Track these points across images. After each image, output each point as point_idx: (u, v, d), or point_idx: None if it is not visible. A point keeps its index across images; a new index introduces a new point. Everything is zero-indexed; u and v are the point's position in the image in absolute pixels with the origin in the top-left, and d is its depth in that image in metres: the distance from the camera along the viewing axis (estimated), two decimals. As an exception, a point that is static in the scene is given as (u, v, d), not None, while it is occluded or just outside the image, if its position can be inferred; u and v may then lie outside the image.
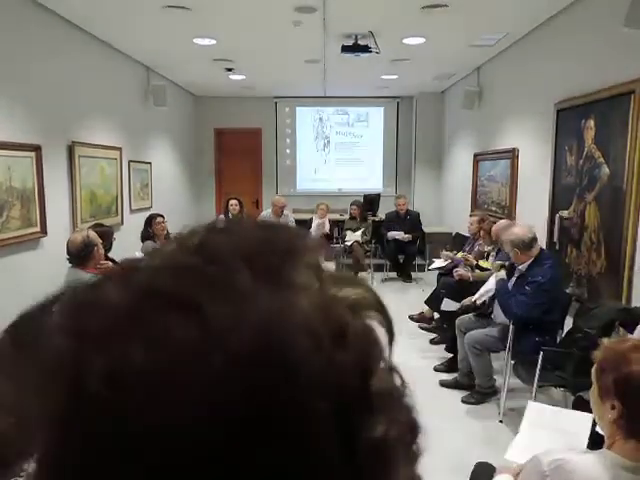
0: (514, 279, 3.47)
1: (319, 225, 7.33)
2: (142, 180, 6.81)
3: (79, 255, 3.18)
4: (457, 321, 3.79)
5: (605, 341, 1.40)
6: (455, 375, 3.91)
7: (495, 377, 3.62)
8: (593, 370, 1.32)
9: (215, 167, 9.77)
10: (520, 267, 3.41)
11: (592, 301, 3.53)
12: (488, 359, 3.55)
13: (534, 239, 3.36)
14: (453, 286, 4.66)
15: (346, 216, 7.94)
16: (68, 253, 3.22)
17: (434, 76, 7.47)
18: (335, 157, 9.81)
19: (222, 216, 7.09)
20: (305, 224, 7.51)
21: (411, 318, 5.08)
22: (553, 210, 4.45)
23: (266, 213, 7.50)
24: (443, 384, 3.84)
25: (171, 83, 7.89)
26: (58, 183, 4.68)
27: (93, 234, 3.32)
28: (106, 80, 5.66)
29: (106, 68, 5.66)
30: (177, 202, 8.36)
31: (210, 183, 9.76)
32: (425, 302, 5.15)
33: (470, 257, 4.60)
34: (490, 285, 3.60)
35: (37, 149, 4.24)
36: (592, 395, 1.33)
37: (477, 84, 6.83)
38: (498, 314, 3.50)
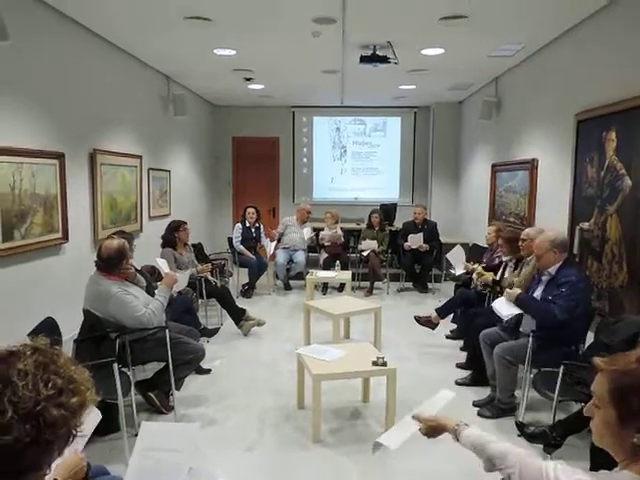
0: (542, 286, 3.42)
1: (333, 236, 7.33)
2: (161, 187, 6.88)
3: (110, 262, 3.20)
4: (481, 335, 3.73)
5: (601, 362, 1.24)
6: (466, 383, 3.85)
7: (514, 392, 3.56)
8: (605, 394, 1.21)
9: (233, 175, 9.83)
10: (550, 270, 3.35)
11: (614, 315, 3.47)
12: (515, 373, 3.48)
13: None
14: (471, 298, 4.60)
15: (363, 225, 7.92)
16: (98, 257, 3.24)
17: (452, 86, 7.45)
18: (352, 166, 9.82)
19: (239, 224, 7.13)
20: (319, 232, 7.53)
21: (417, 319, 5.00)
22: (573, 222, 4.39)
23: (290, 219, 7.51)
24: (476, 404, 3.67)
25: (191, 92, 7.98)
26: (80, 190, 4.75)
27: (128, 245, 3.35)
28: (128, 89, 5.76)
29: (128, 78, 5.75)
30: (195, 209, 8.43)
31: (227, 191, 9.83)
32: (436, 310, 5.09)
33: (487, 275, 4.52)
34: (506, 307, 3.51)
35: (60, 157, 4.32)
36: (603, 421, 1.22)
37: (495, 94, 6.80)
38: (526, 325, 3.44)
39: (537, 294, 3.43)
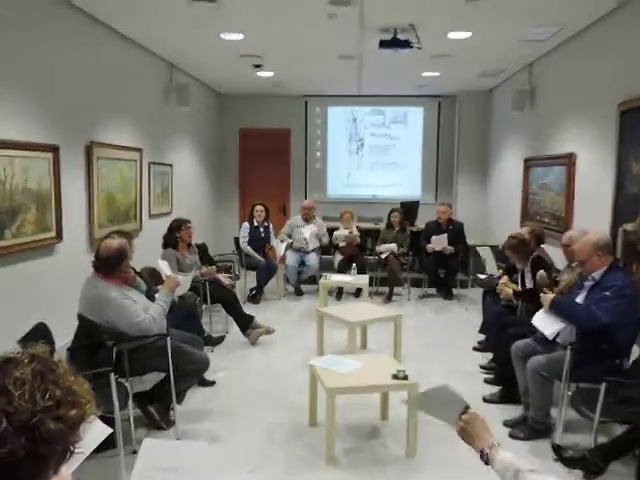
0: (584, 292, 3.36)
1: (348, 236, 7.32)
2: (162, 183, 6.92)
3: (108, 263, 3.21)
4: (513, 347, 3.67)
5: None
6: (503, 406, 3.80)
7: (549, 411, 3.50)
8: None
9: (240, 170, 9.87)
10: (594, 275, 3.30)
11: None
12: (551, 390, 3.41)
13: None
14: (501, 316, 4.51)
15: (381, 225, 7.89)
16: (97, 257, 3.25)
17: (480, 73, 7.39)
18: (369, 161, 9.79)
19: (246, 223, 7.14)
20: (334, 232, 7.51)
21: (477, 349, 5.09)
22: (616, 223, 4.32)
23: (296, 219, 7.53)
24: (507, 424, 3.54)
25: (195, 81, 8.02)
26: (75, 185, 4.78)
27: (128, 245, 3.37)
28: (127, 77, 5.79)
29: (127, 65, 5.79)
30: (199, 207, 8.47)
31: (234, 187, 9.87)
32: (480, 331, 5.08)
33: (509, 288, 4.47)
34: (549, 322, 3.45)
35: (55, 150, 4.35)
36: None
37: (529, 82, 6.73)
38: (564, 335, 3.39)
39: (578, 301, 3.37)
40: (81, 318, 3.22)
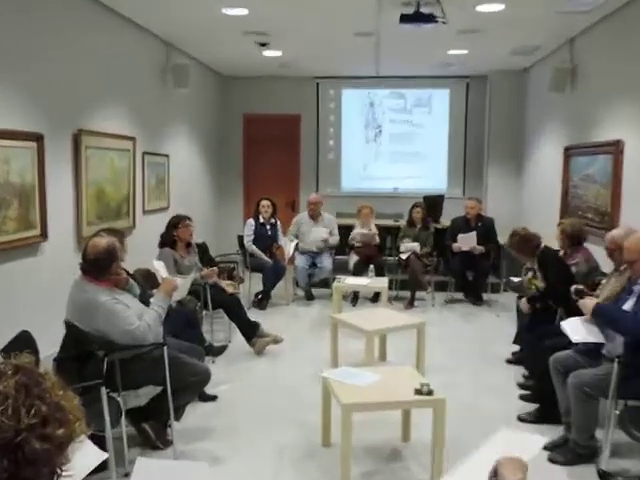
0: (634, 298, 3.30)
1: (366, 235, 7.31)
2: (158, 176, 6.95)
3: (97, 264, 3.23)
4: (552, 360, 3.64)
5: None
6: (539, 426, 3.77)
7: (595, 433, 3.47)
8: None
9: (244, 161, 9.89)
10: None
11: None
12: (596, 409, 3.37)
13: None
14: (538, 323, 4.48)
15: (402, 222, 7.88)
16: (84, 258, 3.27)
17: (513, 50, 7.34)
18: (389, 150, 9.77)
19: (251, 219, 7.16)
20: (349, 231, 7.50)
21: (510, 362, 5.09)
22: (668, 218, 4.26)
23: (302, 215, 7.53)
24: (546, 447, 3.49)
25: (194, 61, 8.05)
26: (62, 178, 4.82)
27: (119, 244, 3.38)
28: (119, 58, 5.82)
29: (119, 44, 5.82)
30: (198, 202, 8.51)
31: (238, 180, 9.89)
32: (514, 342, 5.08)
33: (533, 284, 4.47)
34: (581, 327, 3.43)
35: (39, 139, 4.39)
36: None
37: (570, 60, 6.66)
38: (611, 346, 3.34)
39: (626, 308, 3.33)
40: (68, 325, 3.24)
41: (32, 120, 4.36)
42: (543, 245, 4.59)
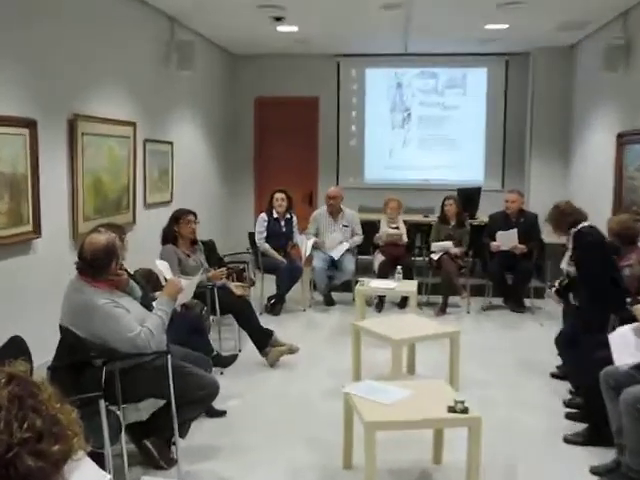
0: None
1: (392, 233, 7.29)
2: (161, 165, 7.01)
3: (95, 263, 3.26)
4: (603, 374, 3.60)
5: None
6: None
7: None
8: None
9: (256, 149, 9.92)
10: None
11: None
12: None
13: None
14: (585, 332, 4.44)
15: (433, 218, 7.86)
16: (81, 257, 3.30)
17: (560, 25, 7.27)
18: (418, 136, 9.75)
19: (264, 214, 7.17)
20: (373, 228, 7.49)
21: (555, 376, 5.04)
22: None
23: (320, 211, 7.53)
24: (596, 471, 3.49)
25: (201, 38, 8.10)
26: (56, 168, 4.88)
27: (119, 242, 3.41)
28: (118, 37, 5.87)
29: (119, 21, 5.87)
30: (205, 195, 8.56)
31: (249, 170, 9.93)
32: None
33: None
34: (632, 345, 3.40)
35: (31, 125, 4.44)
36: None
37: (623, 36, 6.59)
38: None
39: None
40: (64, 331, 3.28)
41: (23, 104, 4.41)
42: (586, 224, 4.47)
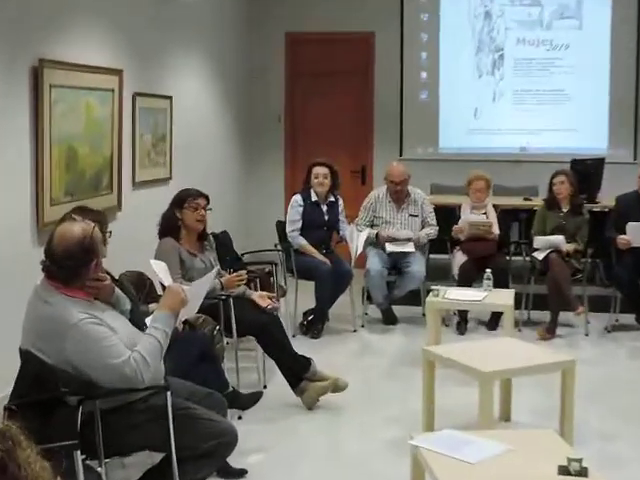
0: None
1: (477, 223, 7.23)
2: (156, 129, 7.06)
3: (67, 264, 3.26)
4: None
5: None
6: None
7: None
8: None
9: (287, 107, 9.93)
10: None
11: None
12: None
13: None
14: None
15: (537, 201, 7.79)
16: (48, 255, 3.31)
17: None
18: (514, 87, 9.71)
19: (299, 196, 7.15)
20: (451, 216, 7.44)
21: None
22: None
23: (378, 193, 7.47)
24: None
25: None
26: (14, 133, 4.93)
27: (99, 234, 3.42)
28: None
29: None
30: (217, 171, 8.61)
31: (277, 136, 9.95)
32: None
33: None
34: None
35: (-20, 73, 4.50)
36: None
37: None
38: None
39: None
40: (25, 355, 3.31)
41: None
42: None
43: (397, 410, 5.21)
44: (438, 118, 9.83)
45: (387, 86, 9.77)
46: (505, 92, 9.72)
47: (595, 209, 7.67)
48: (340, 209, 7.27)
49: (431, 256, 7.54)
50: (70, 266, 3.28)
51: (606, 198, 7.86)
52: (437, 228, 7.40)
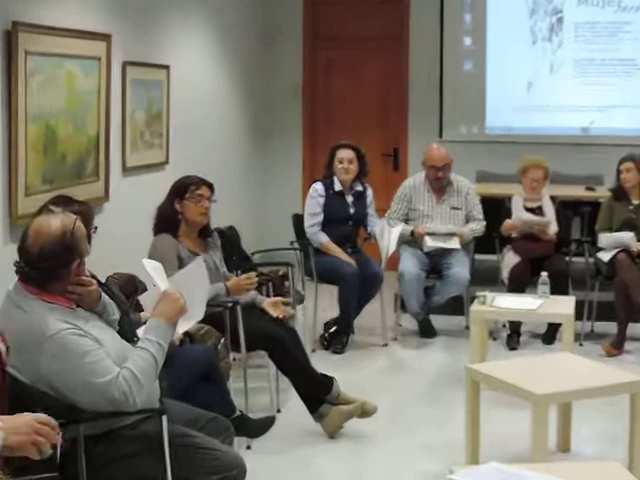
0: None
1: (531, 221, 7.20)
2: (150, 105, 7.08)
3: (45, 265, 3.26)
4: None
5: None
6: None
7: None
8: None
9: (305, 80, 9.94)
10: None
11: None
12: None
13: None
14: None
15: (602, 191, 7.76)
16: (23, 254, 3.32)
17: None
18: (574, 56, 9.69)
19: (319, 185, 7.15)
20: (501, 208, 7.40)
21: None
22: None
23: (414, 182, 7.46)
24: None
25: None
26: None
27: (83, 230, 3.43)
28: None
29: None
30: (223, 154, 8.63)
31: (294, 113, 9.97)
32: None
33: None
34: None
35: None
36: None
37: None
38: None
39: None
40: (-4, 373, 3.32)
41: None
42: None
43: (434, 439, 5.20)
44: (485, 92, 9.83)
45: (424, 55, 9.78)
46: (564, 62, 9.69)
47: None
48: (369, 200, 7.28)
49: (476, 256, 7.53)
50: (48, 267, 3.27)
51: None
52: (484, 223, 7.40)
